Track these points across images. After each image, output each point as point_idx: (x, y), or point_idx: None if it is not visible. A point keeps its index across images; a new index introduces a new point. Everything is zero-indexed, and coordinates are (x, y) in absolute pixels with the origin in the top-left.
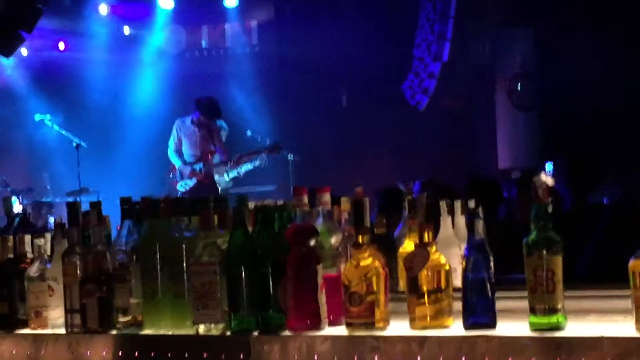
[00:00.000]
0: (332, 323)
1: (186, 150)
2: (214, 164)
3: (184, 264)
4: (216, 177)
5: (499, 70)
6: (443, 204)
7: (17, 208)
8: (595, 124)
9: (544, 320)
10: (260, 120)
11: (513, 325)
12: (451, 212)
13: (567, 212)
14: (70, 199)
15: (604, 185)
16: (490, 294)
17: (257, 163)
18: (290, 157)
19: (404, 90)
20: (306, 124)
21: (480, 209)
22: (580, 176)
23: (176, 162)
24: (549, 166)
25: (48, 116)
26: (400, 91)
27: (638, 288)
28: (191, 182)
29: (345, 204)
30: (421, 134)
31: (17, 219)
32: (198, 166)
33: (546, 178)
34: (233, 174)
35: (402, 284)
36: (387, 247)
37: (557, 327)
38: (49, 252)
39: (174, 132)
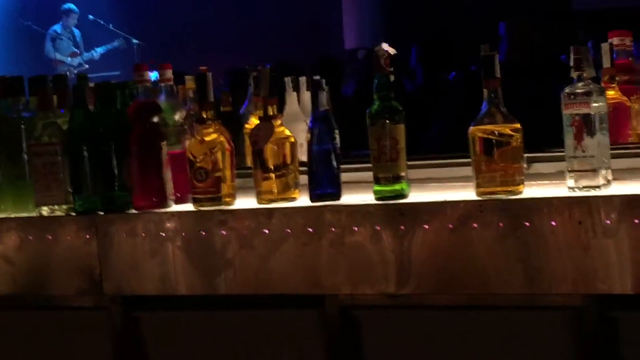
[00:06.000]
0: (179, 200)
1: None
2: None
3: (24, 146)
4: (68, 59)
5: None
6: (288, 80)
7: None
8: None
9: (387, 188)
10: (102, 3)
11: (359, 196)
12: (297, 89)
13: (419, 88)
14: None
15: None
16: (335, 165)
17: (115, 44)
18: (134, 41)
19: None
20: (150, 7)
21: (323, 81)
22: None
23: None
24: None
25: None
26: None
27: (477, 154)
28: None
29: (189, 82)
30: (268, 17)
31: None
32: None
33: (388, 48)
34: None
35: (250, 161)
36: (233, 124)
37: (401, 195)
38: None
39: None
